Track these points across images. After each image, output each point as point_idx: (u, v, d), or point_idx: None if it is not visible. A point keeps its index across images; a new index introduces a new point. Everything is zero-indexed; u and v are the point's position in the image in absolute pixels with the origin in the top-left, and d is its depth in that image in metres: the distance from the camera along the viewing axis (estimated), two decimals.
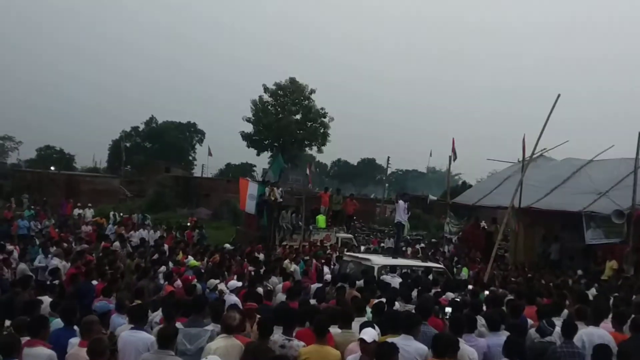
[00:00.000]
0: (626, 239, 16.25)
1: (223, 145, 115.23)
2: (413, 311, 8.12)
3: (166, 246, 18.13)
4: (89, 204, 30.29)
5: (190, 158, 74.03)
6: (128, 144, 65.77)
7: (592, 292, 12.56)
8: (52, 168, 51.50)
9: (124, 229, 23.49)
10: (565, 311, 8.94)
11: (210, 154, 49.21)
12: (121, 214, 29.88)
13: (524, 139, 19.48)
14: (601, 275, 16.04)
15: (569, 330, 7.00)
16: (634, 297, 11.91)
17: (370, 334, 5.77)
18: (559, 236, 19.93)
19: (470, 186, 36.29)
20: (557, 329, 7.34)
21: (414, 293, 10.38)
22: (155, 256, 15.59)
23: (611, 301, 10.64)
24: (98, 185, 41.78)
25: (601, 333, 7.25)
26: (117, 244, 18.12)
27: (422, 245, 24.90)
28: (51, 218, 26.59)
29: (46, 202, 32.03)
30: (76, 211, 28.52)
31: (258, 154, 54.31)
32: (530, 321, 8.40)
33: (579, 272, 16.78)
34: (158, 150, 66.99)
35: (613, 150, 20.41)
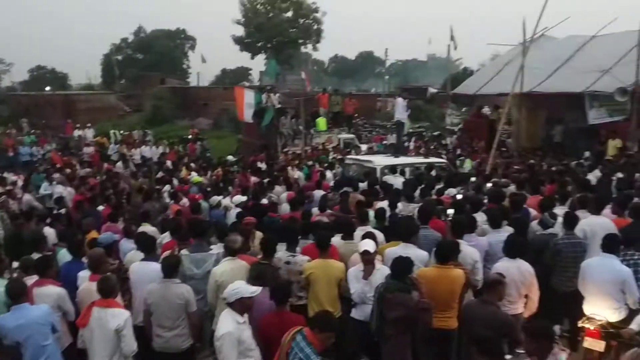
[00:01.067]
0: (630, 116, 16.03)
1: (216, 51, 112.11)
2: (416, 211, 8.21)
3: (169, 162, 18.19)
4: (88, 124, 30.02)
5: (184, 66, 72.19)
6: (119, 57, 64.02)
7: (595, 174, 12.58)
8: (48, 89, 50.64)
9: (125, 147, 23.50)
10: (570, 200, 8.94)
11: (203, 60, 47.90)
12: (121, 132, 29.70)
13: (524, 20, 18.71)
14: (605, 155, 16.00)
15: (571, 221, 7.05)
16: (636, 175, 11.95)
17: (369, 246, 5.83)
18: (563, 118, 19.69)
19: (472, 72, 35.48)
20: (560, 219, 7.39)
21: (417, 192, 10.44)
22: (159, 174, 15.68)
23: (614, 183, 10.70)
24: (95, 103, 41.13)
25: (602, 221, 7.30)
26: (119, 164, 18.20)
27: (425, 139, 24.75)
28: (52, 142, 26.54)
29: (46, 126, 31.85)
30: (76, 132, 28.38)
31: (252, 57, 52.92)
32: (533, 212, 8.45)
33: (586, 154, 16.75)
34: (150, 61, 65.12)
35: (617, 23, 19.63)
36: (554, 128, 19.59)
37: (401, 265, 5.42)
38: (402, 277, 5.34)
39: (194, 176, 14.67)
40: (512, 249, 6.13)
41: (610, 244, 6.23)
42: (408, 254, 6.16)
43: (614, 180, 11.12)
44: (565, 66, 19.40)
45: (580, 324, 6.14)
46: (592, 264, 6.29)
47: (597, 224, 7.23)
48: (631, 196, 8.69)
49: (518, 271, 5.96)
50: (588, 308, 6.18)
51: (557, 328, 5.65)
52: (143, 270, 6.15)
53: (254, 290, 4.75)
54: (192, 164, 17.78)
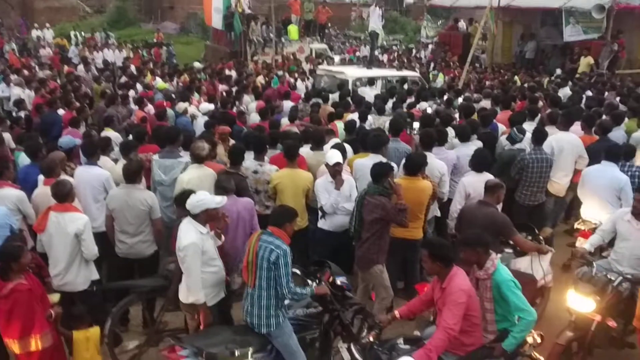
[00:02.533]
0: (604, 34, 15.92)
1: None
2: (387, 124, 8.13)
3: (133, 67, 17.47)
4: (47, 24, 28.39)
5: None
6: None
7: (566, 91, 12.61)
8: None
9: (87, 50, 22.45)
10: (540, 116, 8.95)
11: None
12: (82, 34, 28.22)
13: None
14: (576, 73, 16.01)
15: (539, 136, 7.05)
16: (606, 94, 12.03)
17: (339, 157, 5.77)
18: (535, 34, 19.47)
19: None
20: (528, 135, 7.41)
21: (389, 104, 10.33)
22: (123, 79, 15.09)
23: (584, 101, 10.75)
24: (54, 2, 38.65)
25: (570, 138, 7.34)
26: (81, 67, 17.39)
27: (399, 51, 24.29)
28: (10, 42, 25.12)
29: (2, 24, 30.04)
30: (34, 32, 26.82)
31: None
32: (502, 127, 8.46)
33: (558, 71, 16.74)
34: None
35: None
36: (527, 44, 19.38)
37: (381, 170, 5.43)
38: (381, 182, 5.37)
39: (159, 82, 14.14)
40: (478, 162, 6.15)
41: (612, 153, 6.49)
42: (362, 162, 6.17)
43: (584, 98, 11.18)
44: None
45: (576, 226, 6.49)
46: (593, 170, 6.54)
47: (564, 140, 7.27)
48: (600, 114, 8.75)
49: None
50: (585, 211, 6.51)
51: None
52: (84, 176, 5.94)
53: (220, 200, 4.63)
54: (157, 70, 17.12)
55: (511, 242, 5.45)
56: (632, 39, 16.70)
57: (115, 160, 6.83)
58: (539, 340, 4.14)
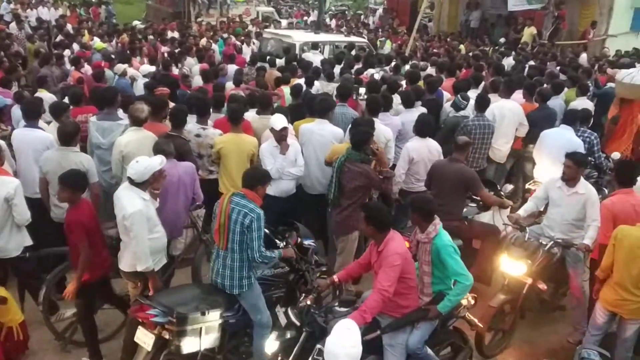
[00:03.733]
0: (547, 4, 16.25)
1: None
2: (334, 89, 8.06)
3: (69, 26, 16.60)
4: None
5: None
6: None
7: (509, 61, 12.86)
8: None
9: (20, 7, 21.13)
10: (483, 84, 9.09)
11: None
12: None
13: None
14: (519, 42, 16.34)
15: (482, 103, 7.19)
16: (548, 64, 12.35)
17: (284, 122, 5.67)
18: (481, 3, 19.71)
19: None
20: (472, 102, 7.52)
21: (337, 70, 10.24)
22: (58, 38, 14.33)
23: (526, 70, 10.99)
24: None
25: (511, 105, 7.52)
26: (13, 25, 16.38)
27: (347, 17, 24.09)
28: None
29: None
30: None
31: None
32: (447, 95, 8.55)
33: (502, 40, 17.02)
34: None
35: None
36: (472, 14, 19.61)
37: (361, 137, 5.40)
38: (362, 148, 5.35)
39: (97, 42, 13.49)
40: (421, 128, 6.20)
41: (569, 118, 6.92)
42: (323, 129, 6.13)
43: (526, 67, 11.43)
44: None
45: (527, 186, 6.76)
46: (550, 133, 6.82)
47: (505, 108, 7.44)
48: (541, 83, 8.96)
49: (427, 150, 6.10)
50: (538, 172, 6.80)
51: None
52: (25, 138, 5.65)
53: (161, 160, 4.49)
54: (95, 29, 16.31)
55: (476, 197, 5.76)
56: (573, 11, 17.13)
57: (48, 123, 6.50)
58: (472, 302, 4.30)
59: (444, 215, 4.46)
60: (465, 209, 5.73)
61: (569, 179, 5.11)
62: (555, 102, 8.27)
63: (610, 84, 9.72)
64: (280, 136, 5.71)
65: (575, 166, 5.06)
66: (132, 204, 4.28)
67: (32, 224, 4.94)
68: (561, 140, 6.53)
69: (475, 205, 5.86)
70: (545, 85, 8.69)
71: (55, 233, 5.43)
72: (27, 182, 5.42)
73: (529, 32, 16.63)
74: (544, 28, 16.47)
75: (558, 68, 11.36)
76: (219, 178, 6.02)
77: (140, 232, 4.30)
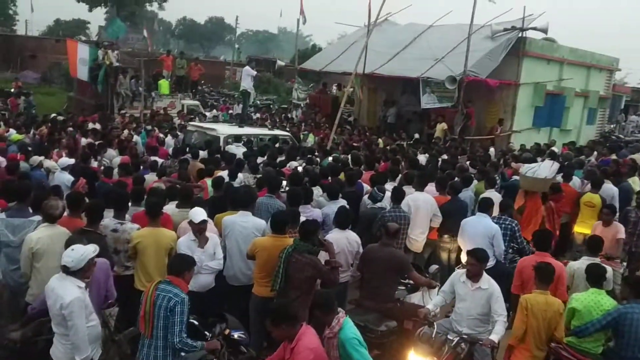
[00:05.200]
0: (456, 103, 17.53)
1: None
2: (255, 181, 8.18)
3: None
4: None
5: (11, 12, 64.33)
6: None
7: (425, 157, 13.60)
8: None
9: None
10: (400, 176, 9.53)
11: (32, 9, 43.01)
12: None
13: (369, 4, 19.48)
14: (433, 138, 17.39)
15: (398, 195, 7.55)
16: (459, 157, 13.13)
17: (203, 214, 5.69)
18: (396, 101, 20.99)
19: (321, 49, 36.21)
20: (388, 194, 7.84)
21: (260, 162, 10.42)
22: None
23: (439, 164, 11.64)
24: None
25: (425, 197, 7.91)
26: None
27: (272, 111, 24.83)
28: None
29: None
30: None
31: (90, 10, 48.67)
32: (367, 187, 8.86)
33: (416, 135, 18.05)
34: None
35: (451, 15, 21.33)
36: (389, 110, 20.80)
37: (309, 228, 5.51)
38: (310, 239, 5.44)
39: (13, 133, 13.09)
40: (341, 220, 6.38)
41: (484, 206, 7.50)
42: (246, 221, 6.16)
43: (439, 161, 12.12)
44: (404, 51, 20.59)
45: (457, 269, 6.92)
46: (470, 221, 7.45)
47: (420, 199, 7.84)
48: (452, 176, 9.51)
49: (347, 241, 6.23)
50: (464, 257, 6.96)
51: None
52: None
53: (94, 249, 4.47)
54: (12, 120, 15.87)
55: (404, 280, 6.09)
56: (480, 108, 18.59)
57: None
58: None
59: (377, 297, 4.89)
60: (401, 288, 6.11)
61: (473, 275, 5.37)
62: (466, 194, 8.79)
63: (515, 177, 10.45)
64: (199, 229, 5.68)
65: (478, 263, 5.36)
66: (69, 292, 4.23)
67: None
68: (479, 226, 7.17)
69: (404, 287, 6.14)
70: (456, 179, 9.22)
71: None
72: None
73: (440, 127, 17.80)
74: (454, 124, 17.65)
75: (468, 162, 12.08)
76: (135, 274, 5.84)
77: (79, 320, 4.24)
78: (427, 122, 19.37)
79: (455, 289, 5.52)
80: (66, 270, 4.30)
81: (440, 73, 17.66)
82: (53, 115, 17.16)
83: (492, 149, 15.79)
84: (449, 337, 5.23)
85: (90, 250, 4.41)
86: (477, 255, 5.40)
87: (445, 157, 13.01)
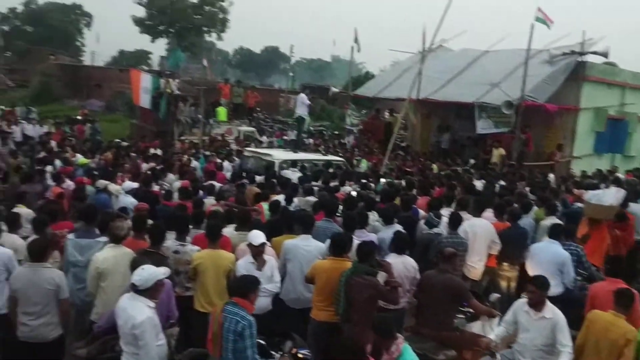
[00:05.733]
0: (514, 128, 17.21)
1: (114, 30, 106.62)
2: (311, 206, 8.25)
3: (54, 142, 16.95)
4: None
5: (78, 44, 68.13)
6: (6, 28, 59.06)
7: (481, 182, 13.35)
8: None
9: (5, 123, 21.62)
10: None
11: (98, 40, 45.51)
12: (2, 107, 27.35)
13: (424, 30, 19.54)
14: (489, 163, 17.06)
15: (455, 221, 7.43)
16: (518, 184, 12.84)
17: (262, 237, 5.78)
18: (451, 126, 20.77)
19: (374, 76, 36.37)
20: (445, 219, 7.75)
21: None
22: (42, 154, 14.57)
23: (497, 190, 11.41)
24: None
25: (483, 223, 7.76)
26: None
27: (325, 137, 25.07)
28: None
29: None
30: None
31: (153, 41, 50.94)
32: (421, 212, 8.80)
33: (472, 161, 17.78)
34: (41, 35, 60.78)
35: (507, 40, 21.09)
36: (442, 136, 20.61)
37: (366, 249, 5.58)
38: (368, 261, 5.50)
39: (80, 157, 13.74)
40: (398, 245, 6.34)
41: (554, 232, 7.32)
42: (309, 245, 6.22)
43: (497, 187, 11.88)
44: (458, 77, 20.46)
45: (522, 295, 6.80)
46: (539, 246, 7.35)
47: (477, 225, 7.68)
48: (510, 202, 9.30)
49: (403, 266, 6.17)
50: None
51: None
52: None
53: (164, 271, 4.63)
54: (79, 146, 16.67)
55: (463, 308, 5.94)
56: (538, 134, 18.16)
57: (26, 238, 6.48)
58: None
59: (435, 325, 4.82)
60: (460, 317, 5.97)
61: (535, 304, 5.19)
62: (526, 221, 8.56)
63: (577, 204, 10.12)
64: (258, 252, 5.77)
65: (539, 290, 5.17)
66: (140, 312, 4.36)
67: None
68: (549, 252, 7.02)
69: (463, 316, 6.02)
70: (515, 205, 9.01)
71: (20, 352, 5.28)
72: None
73: (498, 153, 17.44)
74: (512, 150, 17.30)
75: (527, 188, 11.80)
76: (195, 295, 5.97)
77: (151, 340, 4.37)
78: (482, 148, 19.05)
79: (517, 319, 5.35)
80: (135, 288, 4.43)
81: (497, 98, 17.43)
82: (117, 141, 17.96)
83: (551, 175, 15.34)
84: None
85: (160, 272, 4.55)
86: (538, 283, 5.23)
87: (502, 183, 12.74)
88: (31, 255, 5.22)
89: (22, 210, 7.86)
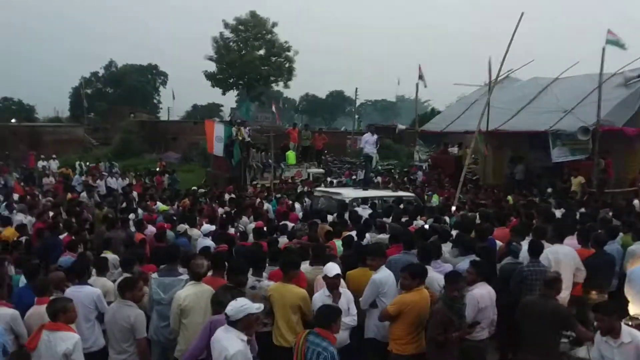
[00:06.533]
0: (591, 155, 16.51)
1: (187, 86, 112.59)
2: (385, 241, 8.21)
3: (135, 193, 17.85)
4: (53, 155, 29.51)
5: (155, 101, 72.32)
6: (89, 91, 63.60)
7: (560, 211, 12.82)
8: (13, 121, 49.66)
9: (91, 178, 23.02)
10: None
11: (173, 97, 47.99)
12: (87, 163, 29.24)
13: (489, 61, 19.36)
14: (569, 192, 16.34)
15: (535, 248, 7.14)
16: (601, 210, 12.22)
17: (333, 269, 5.79)
18: (524, 157, 20.15)
19: (440, 112, 36.22)
20: (524, 247, 7.48)
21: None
22: (124, 204, 15.35)
23: (578, 217, 10.91)
24: (62, 136, 40.56)
25: (566, 250, 7.40)
26: (84, 194, 17.77)
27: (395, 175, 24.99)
28: (14, 172, 25.83)
29: (8, 156, 31.15)
30: (40, 163, 27.81)
31: (224, 93, 53.08)
32: (499, 243, 8.53)
33: (549, 190, 17.11)
34: (120, 95, 65.18)
35: (579, 66, 20.47)
36: (516, 167, 19.99)
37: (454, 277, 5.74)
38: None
39: (160, 205, 14.39)
40: (484, 272, 6.19)
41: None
42: (386, 276, 6.14)
43: (577, 215, 11.36)
44: (529, 106, 20.00)
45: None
46: (637, 271, 6.94)
47: (560, 253, 7.32)
48: (594, 228, 8.86)
49: (489, 296, 6.00)
50: (633, 308, 6.71)
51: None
52: (74, 295, 5.81)
53: (259, 306, 4.70)
54: (158, 195, 17.47)
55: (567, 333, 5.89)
56: (618, 159, 17.30)
57: (114, 281, 6.82)
58: None
59: (542, 352, 4.92)
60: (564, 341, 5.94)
61: (607, 332, 4.90)
62: (613, 247, 8.11)
63: None
64: (333, 284, 5.77)
65: (606, 317, 4.88)
66: (232, 344, 4.43)
67: None
68: None
69: (566, 340, 5.94)
70: (599, 231, 8.58)
71: None
72: None
73: (577, 181, 16.67)
74: (592, 177, 16.54)
75: (611, 214, 11.21)
76: (273, 329, 6.03)
77: None
78: (559, 177, 18.30)
79: (601, 352, 5.04)
80: (227, 319, 4.52)
81: (571, 125, 16.86)
82: (194, 188, 18.68)
83: (636, 201, 14.50)
84: None
85: (253, 306, 4.59)
86: (602, 309, 4.97)
87: (583, 210, 12.18)
88: (119, 291, 5.49)
89: (109, 255, 8.31)
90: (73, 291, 6.01)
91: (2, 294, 5.67)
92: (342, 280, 6.16)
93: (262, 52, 50.81)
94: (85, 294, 5.95)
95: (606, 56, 16.63)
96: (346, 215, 11.16)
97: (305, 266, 6.95)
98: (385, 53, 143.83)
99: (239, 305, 4.51)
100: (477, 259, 7.10)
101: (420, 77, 22.84)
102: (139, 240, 9.92)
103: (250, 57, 48.86)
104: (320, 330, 4.44)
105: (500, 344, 7.26)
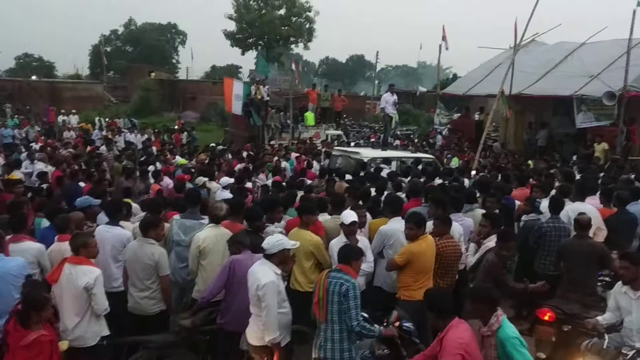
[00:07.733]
0: (616, 121, 16.16)
1: (206, 46, 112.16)
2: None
3: (154, 148, 17.95)
4: (73, 110, 29.72)
5: (174, 61, 72.03)
6: (108, 49, 63.48)
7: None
8: (34, 77, 49.92)
9: (110, 133, 23.19)
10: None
11: (192, 56, 47.76)
12: (107, 119, 29.41)
13: (515, 24, 18.83)
14: (592, 158, 16.03)
15: (556, 205, 7.07)
16: (622, 176, 11.99)
17: (350, 216, 5.80)
18: (546, 122, 19.79)
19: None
20: (545, 203, 7.41)
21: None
22: (143, 158, 15.46)
23: (600, 180, 10.72)
24: (81, 92, 40.70)
25: (588, 208, 7.29)
26: (103, 147, 17.91)
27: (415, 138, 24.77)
28: (35, 125, 26.10)
29: (29, 111, 31.45)
30: (60, 118, 28.01)
31: (243, 53, 52.46)
32: (517, 203, 8.44)
33: (574, 157, 16.78)
34: (140, 54, 64.98)
35: (607, 31, 19.84)
36: (539, 132, 19.63)
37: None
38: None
39: (179, 159, 14.48)
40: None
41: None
42: (394, 229, 6.16)
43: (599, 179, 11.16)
44: (554, 71, 19.52)
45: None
46: None
47: (581, 210, 7.17)
48: (617, 188, 8.71)
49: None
50: None
51: None
52: (106, 235, 5.93)
53: (294, 243, 4.89)
54: (177, 150, 17.58)
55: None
56: None
57: None
58: None
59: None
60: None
61: (630, 281, 4.82)
62: (636, 208, 7.95)
63: None
64: (350, 231, 5.78)
65: (633, 265, 4.79)
66: (265, 275, 4.60)
67: (108, 314, 5.07)
68: None
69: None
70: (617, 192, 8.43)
71: (130, 322, 5.60)
72: (104, 276, 5.64)
73: (600, 147, 16.35)
74: (616, 144, 16.21)
75: (633, 176, 11.00)
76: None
77: (272, 302, 4.58)
78: (582, 143, 17.96)
79: (618, 303, 4.99)
80: (264, 252, 4.72)
81: (597, 90, 16.42)
82: (212, 144, 18.72)
83: None
84: (623, 350, 4.72)
85: (289, 242, 4.81)
86: (631, 258, 4.87)
87: (604, 174, 11.97)
88: (141, 229, 5.56)
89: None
90: (103, 231, 6.08)
91: (25, 231, 5.76)
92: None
93: (282, 11, 49.98)
94: (116, 235, 6.00)
95: (636, 20, 16.10)
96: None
97: (324, 217, 6.95)
98: (408, 17, 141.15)
99: (275, 240, 4.70)
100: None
101: (443, 38, 22.38)
102: (155, 192, 10.02)
103: (270, 17, 48.05)
104: (342, 266, 4.55)
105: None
